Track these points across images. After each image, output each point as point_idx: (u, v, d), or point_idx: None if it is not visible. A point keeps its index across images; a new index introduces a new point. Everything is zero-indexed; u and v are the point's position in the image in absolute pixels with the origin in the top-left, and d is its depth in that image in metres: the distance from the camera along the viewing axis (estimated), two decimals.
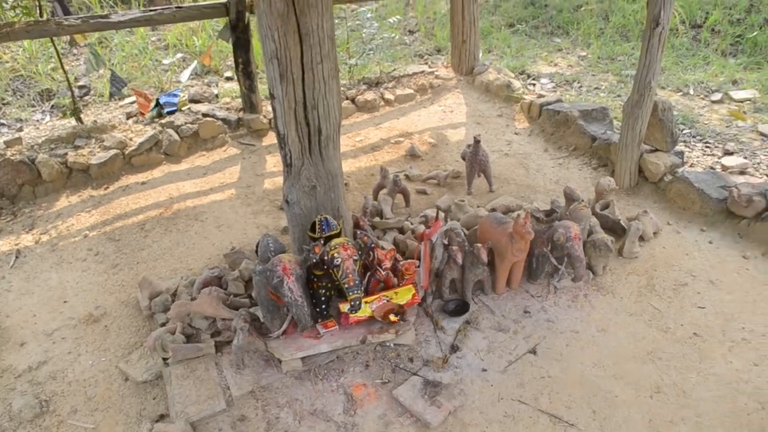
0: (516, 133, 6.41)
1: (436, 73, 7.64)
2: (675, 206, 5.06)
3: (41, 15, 5.96)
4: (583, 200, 4.51)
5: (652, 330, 3.88)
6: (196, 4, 6.75)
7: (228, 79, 8.01)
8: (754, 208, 4.64)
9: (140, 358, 3.81)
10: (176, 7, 6.04)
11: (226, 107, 6.76)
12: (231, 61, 8.28)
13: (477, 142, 5.15)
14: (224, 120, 6.47)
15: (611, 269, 4.42)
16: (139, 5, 9.22)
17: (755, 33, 7.93)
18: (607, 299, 4.16)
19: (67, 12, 6.03)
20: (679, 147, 5.71)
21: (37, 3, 5.93)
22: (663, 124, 5.16)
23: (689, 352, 3.70)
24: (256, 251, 3.82)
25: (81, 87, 7.53)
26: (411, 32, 9.57)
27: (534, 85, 7.55)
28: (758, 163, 5.72)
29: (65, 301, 4.39)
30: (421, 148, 6.12)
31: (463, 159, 5.37)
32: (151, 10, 5.95)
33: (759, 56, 7.73)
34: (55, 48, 6.27)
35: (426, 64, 8.18)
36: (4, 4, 6.25)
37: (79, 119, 6.38)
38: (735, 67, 7.56)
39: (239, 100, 6.89)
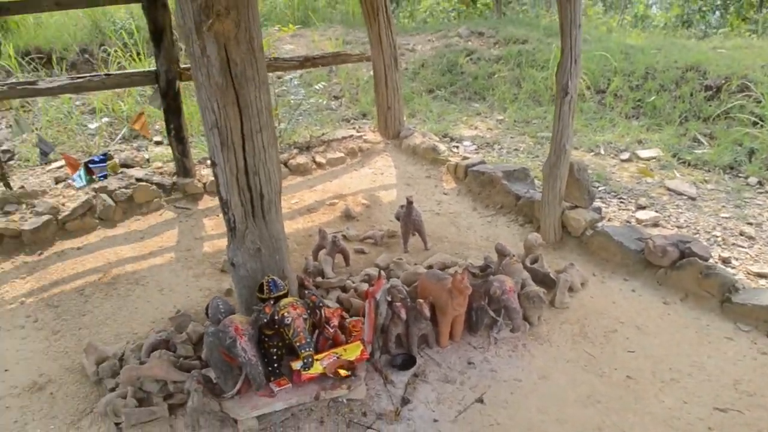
0: (445, 194, 6.72)
1: (364, 137, 7.92)
2: (598, 258, 5.42)
3: None
4: (514, 255, 4.80)
5: (589, 375, 4.13)
6: (126, 71, 6.80)
7: (158, 143, 8.01)
8: (669, 258, 5.03)
9: (91, 425, 3.73)
10: (105, 75, 6.09)
11: (159, 172, 6.77)
12: (159, 126, 8.34)
13: (410, 203, 5.39)
14: (158, 184, 6.47)
15: (545, 319, 4.68)
16: (62, 70, 9.15)
17: (653, 98, 8.66)
18: (545, 348, 4.40)
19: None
20: (597, 203, 6.13)
21: None
22: (580, 183, 5.56)
23: (625, 394, 3.96)
24: (206, 313, 3.86)
25: (5, 152, 7.36)
26: (336, 98, 9.89)
27: (457, 147, 7.95)
28: (668, 216, 6.21)
29: (6, 370, 4.25)
30: (355, 209, 6.31)
31: (398, 219, 5.59)
32: (79, 77, 5.97)
33: (659, 119, 8.43)
34: None
35: (354, 128, 8.46)
36: None
37: (7, 185, 6.23)
38: (639, 129, 8.21)
39: (171, 164, 6.92)
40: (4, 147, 7.48)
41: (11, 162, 7.24)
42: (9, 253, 5.61)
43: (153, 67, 6.37)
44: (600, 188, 6.76)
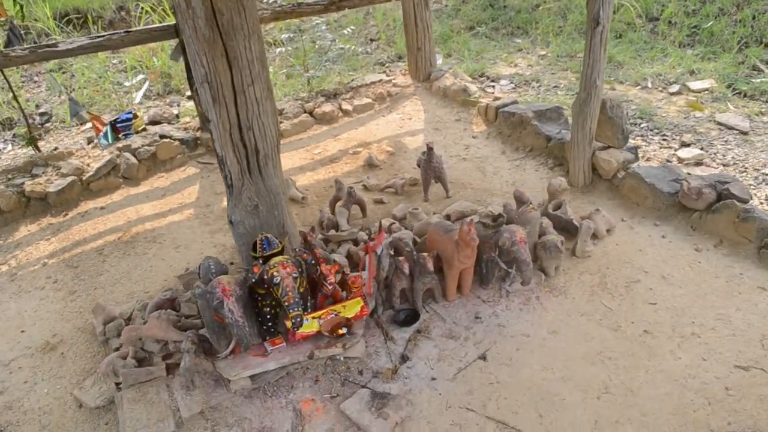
0: (474, 137, 6.44)
1: (393, 81, 7.66)
2: (629, 202, 5.08)
3: None
4: (531, 203, 4.54)
5: (603, 329, 3.90)
6: (146, 27, 6.73)
7: (190, 98, 8.00)
8: (704, 200, 4.66)
9: (94, 384, 3.80)
10: (125, 32, 6.03)
11: (185, 127, 6.75)
12: None
13: (430, 149, 5.17)
14: (182, 140, 6.45)
15: (565, 270, 4.43)
16: (98, 29, 9.21)
17: (711, 23, 8.00)
18: (559, 300, 4.18)
19: (19, 41, 6.01)
20: (636, 141, 5.74)
21: None
22: (612, 121, 5.19)
23: (638, 350, 3.72)
24: (198, 274, 3.84)
25: (42, 114, 7.51)
26: (372, 40, 9.59)
27: (493, 87, 7.59)
28: (714, 153, 5.77)
29: (23, 331, 4.38)
30: (378, 157, 6.14)
31: (419, 167, 5.39)
32: (99, 36, 5.94)
33: (716, 46, 7.79)
34: (6, 78, 6.23)
35: (384, 72, 8.20)
36: None
37: (36, 147, 6.35)
38: (692, 58, 7.62)
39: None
40: (42, 109, 7.63)
41: (47, 124, 7.39)
42: (36, 215, 5.76)
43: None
44: (642, 125, 6.33)
